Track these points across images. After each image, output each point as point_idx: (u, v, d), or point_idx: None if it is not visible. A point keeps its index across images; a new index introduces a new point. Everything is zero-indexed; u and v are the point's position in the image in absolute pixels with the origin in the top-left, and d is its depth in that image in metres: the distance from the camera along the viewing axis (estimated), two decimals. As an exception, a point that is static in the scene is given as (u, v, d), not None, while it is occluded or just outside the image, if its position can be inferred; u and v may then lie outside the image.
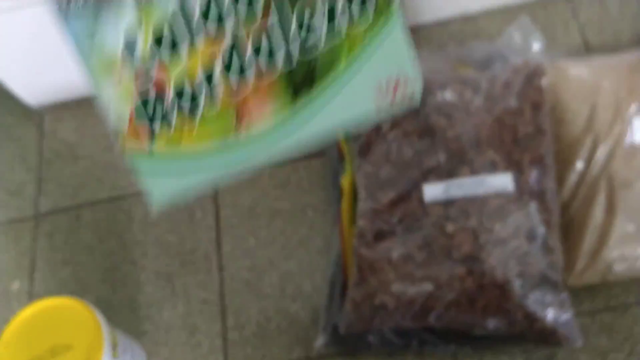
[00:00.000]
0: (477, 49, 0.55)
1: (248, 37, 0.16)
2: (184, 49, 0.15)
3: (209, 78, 0.16)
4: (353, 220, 0.52)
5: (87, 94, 0.69)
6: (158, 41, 0.15)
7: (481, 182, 0.48)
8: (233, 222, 0.60)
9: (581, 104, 0.53)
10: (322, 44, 0.16)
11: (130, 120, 0.15)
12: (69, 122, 0.69)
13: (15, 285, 0.60)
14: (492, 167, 0.48)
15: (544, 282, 0.47)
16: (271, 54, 0.16)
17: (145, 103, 0.15)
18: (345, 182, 0.55)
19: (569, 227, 0.51)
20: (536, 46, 0.53)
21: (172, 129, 0.15)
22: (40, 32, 0.58)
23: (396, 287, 0.48)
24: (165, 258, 0.59)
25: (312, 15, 0.16)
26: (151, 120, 0.15)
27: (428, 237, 0.48)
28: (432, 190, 0.49)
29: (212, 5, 0.15)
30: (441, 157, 0.49)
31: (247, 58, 0.16)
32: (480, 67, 0.54)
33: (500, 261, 0.46)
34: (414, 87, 0.18)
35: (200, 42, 0.15)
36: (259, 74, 0.16)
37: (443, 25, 0.66)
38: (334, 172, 0.58)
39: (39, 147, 0.68)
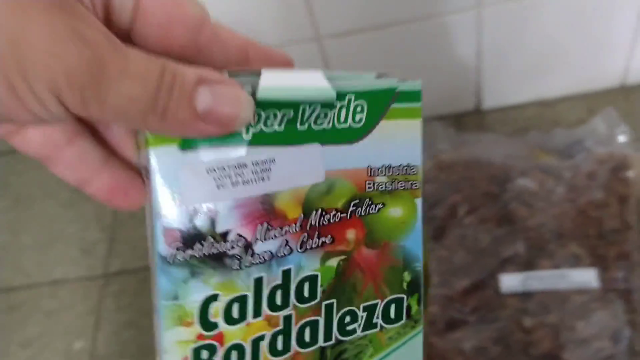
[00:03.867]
0: (559, 137, 0.54)
1: (297, 324, 0.20)
2: (243, 323, 0.19)
3: (256, 345, 0.19)
4: (424, 305, 0.50)
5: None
6: (227, 312, 0.19)
7: (563, 276, 0.46)
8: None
9: (669, 199, 0.50)
10: (358, 334, 0.21)
11: None
12: (144, 185, 0.70)
13: (78, 345, 0.61)
14: (575, 261, 0.46)
15: (630, 389, 0.44)
16: (311, 341, 0.20)
17: (199, 353, 0.19)
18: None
19: (655, 329, 0.47)
20: (622, 138, 0.52)
21: None
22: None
23: (468, 381, 0.45)
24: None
25: (351, 321, 0.20)
26: None
27: (504, 331, 0.45)
28: (510, 281, 0.47)
29: (277, 297, 0.19)
30: (520, 246, 0.47)
31: (290, 341, 0.20)
32: (561, 156, 0.53)
33: (582, 363, 0.44)
34: None
35: (258, 321, 0.19)
36: (297, 352, 0.20)
37: (519, 109, 0.65)
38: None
39: (114, 207, 0.70)
